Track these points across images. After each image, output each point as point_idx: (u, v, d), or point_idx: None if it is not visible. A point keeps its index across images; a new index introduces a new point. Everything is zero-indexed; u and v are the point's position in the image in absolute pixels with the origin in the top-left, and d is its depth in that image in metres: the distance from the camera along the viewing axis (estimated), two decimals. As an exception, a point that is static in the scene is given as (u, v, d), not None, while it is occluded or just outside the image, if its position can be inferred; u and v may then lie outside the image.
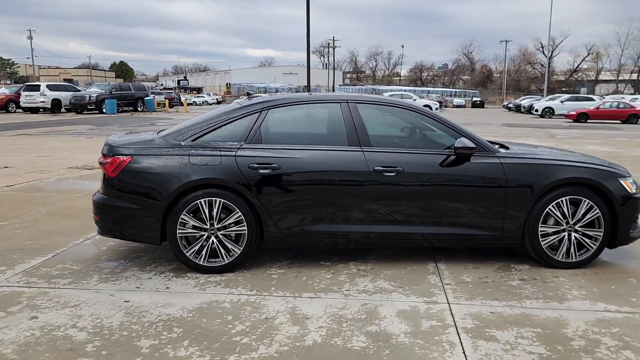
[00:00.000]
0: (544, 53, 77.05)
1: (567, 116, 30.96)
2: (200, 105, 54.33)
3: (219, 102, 60.45)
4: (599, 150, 14.20)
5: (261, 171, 4.16)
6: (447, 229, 4.31)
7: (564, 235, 4.35)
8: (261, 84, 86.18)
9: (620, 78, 70.88)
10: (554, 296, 3.81)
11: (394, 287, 3.96)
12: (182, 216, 4.14)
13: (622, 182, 4.36)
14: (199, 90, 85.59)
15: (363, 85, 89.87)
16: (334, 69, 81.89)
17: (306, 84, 29.20)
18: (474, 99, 65.97)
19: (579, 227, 4.34)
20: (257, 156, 4.21)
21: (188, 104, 44.07)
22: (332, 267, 4.41)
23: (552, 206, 4.29)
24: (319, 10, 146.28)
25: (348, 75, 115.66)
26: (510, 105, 48.00)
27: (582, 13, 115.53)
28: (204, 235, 4.20)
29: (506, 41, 73.05)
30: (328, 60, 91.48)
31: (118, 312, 3.50)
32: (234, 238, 4.22)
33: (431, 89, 77.30)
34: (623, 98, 36.00)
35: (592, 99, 35.25)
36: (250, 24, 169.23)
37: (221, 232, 4.20)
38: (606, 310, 3.57)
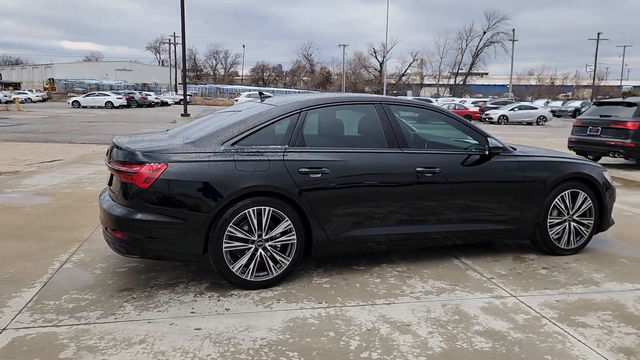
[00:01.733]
0: (377, 58, 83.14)
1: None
2: (23, 102, 47.97)
3: (44, 100, 54.15)
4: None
5: (312, 176, 3.94)
6: (477, 225, 4.52)
7: (565, 225, 4.83)
8: (92, 80, 79.32)
9: (440, 82, 79.54)
10: (585, 280, 4.23)
11: (450, 286, 4.04)
12: (229, 228, 3.74)
13: (605, 175, 4.99)
14: (16, 85, 75.95)
15: (205, 84, 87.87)
16: (175, 66, 78.72)
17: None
18: (318, 99, 68.50)
19: (576, 217, 4.86)
20: (305, 160, 3.96)
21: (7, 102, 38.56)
22: (371, 270, 4.34)
23: (558, 199, 4.75)
24: (152, 4, 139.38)
25: (187, 73, 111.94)
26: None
27: (407, 23, 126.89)
28: (250, 247, 3.84)
29: (344, 45, 77.29)
30: (170, 56, 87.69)
31: (204, 343, 3.06)
32: (279, 249, 3.93)
33: (274, 88, 78.54)
34: (454, 100, 40.37)
35: (431, 102, 38.98)
36: (66, 13, 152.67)
37: (269, 244, 3.88)
38: (636, 289, 4.06)
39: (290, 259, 3.94)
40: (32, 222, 5.71)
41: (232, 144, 3.88)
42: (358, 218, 4.11)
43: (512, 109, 33.04)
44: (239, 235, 3.78)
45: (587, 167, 4.91)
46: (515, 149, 4.87)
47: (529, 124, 32.37)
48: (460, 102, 39.13)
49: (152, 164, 3.65)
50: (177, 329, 3.24)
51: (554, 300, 3.79)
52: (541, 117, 32.76)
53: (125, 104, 44.79)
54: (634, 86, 77.83)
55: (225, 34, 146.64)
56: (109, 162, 4.00)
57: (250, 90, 47.24)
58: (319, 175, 3.95)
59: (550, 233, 4.76)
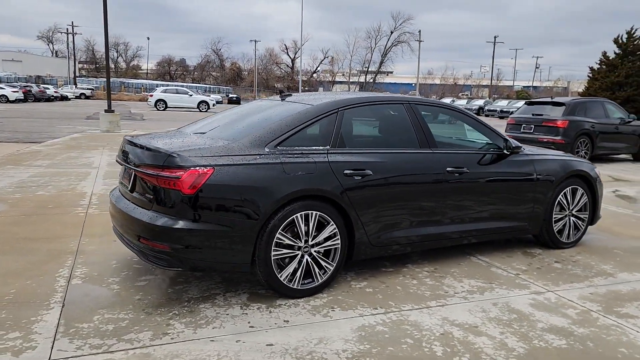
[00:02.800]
0: (288, 54, 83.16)
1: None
2: None
3: None
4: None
5: (356, 178, 3.82)
6: (495, 223, 4.63)
7: (566, 220, 5.09)
8: (-26, 71, 72.09)
9: (351, 80, 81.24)
10: (600, 272, 4.47)
11: (486, 284, 4.10)
12: (277, 235, 3.53)
13: (596, 171, 5.32)
14: None
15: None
16: (74, 58, 73.61)
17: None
18: (230, 95, 67.30)
19: (575, 212, 5.14)
20: (348, 161, 3.84)
21: None
22: (400, 272, 4.30)
23: (561, 195, 4.99)
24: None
25: (85, 65, 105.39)
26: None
27: (315, 21, 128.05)
28: (297, 254, 3.65)
29: (255, 41, 76.42)
30: (68, 47, 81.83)
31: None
32: (322, 254, 3.77)
33: (183, 84, 75.95)
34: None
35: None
36: None
37: (314, 249, 3.71)
38: (648, 278, 4.37)
39: (335, 265, 3.81)
40: (1, 233, 5.05)
41: (276, 146, 3.66)
42: (396, 220, 4.06)
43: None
44: (287, 241, 3.59)
45: (583, 164, 5.21)
46: (524, 149, 5.05)
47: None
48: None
49: (197, 168, 3.35)
50: (248, 346, 3.00)
51: (588, 294, 3.97)
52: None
53: (22, 97, 41.15)
54: (523, 86, 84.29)
55: (126, 25, 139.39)
56: (135, 167, 3.62)
57: (167, 86, 45.31)
58: (363, 177, 3.84)
59: (554, 228, 4.99)
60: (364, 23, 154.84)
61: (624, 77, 34.87)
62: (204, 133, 4.06)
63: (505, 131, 13.26)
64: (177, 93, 36.58)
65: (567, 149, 12.07)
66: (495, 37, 69.01)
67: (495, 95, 67.53)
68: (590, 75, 37.96)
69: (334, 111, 3.97)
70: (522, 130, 12.70)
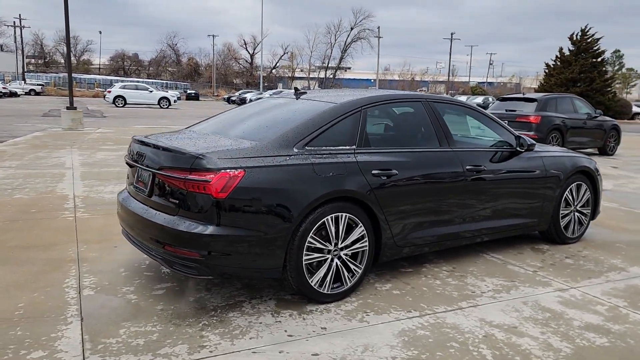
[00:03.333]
0: (247, 50, 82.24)
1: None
2: None
3: None
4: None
5: (382, 177, 3.73)
6: (508, 220, 4.63)
7: (571, 215, 5.16)
8: None
9: (311, 76, 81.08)
10: (612, 267, 4.54)
11: (509, 282, 4.09)
12: (309, 239, 3.40)
13: (597, 166, 5.41)
14: None
15: (57, 73, 79.98)
16: (23, 52, 70.52)
17: None
18: (188, 91, 66.07)
19: (579, 207, 5.21)
20: (375, 161, 3.74)
21: None
22: (420, 272, 4.24)
23: (568, 192, 5.05)
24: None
25: (33, 60, 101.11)
26: (234, 98, 49.81)
27: (274, 17, 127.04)
28: (327, 258, 3.53)
29: (213, 36, 75.29)
30: (15, 41, 78.39)
31: (340, 370, 2.74)
32: (350, 257, 3.67)
33: (139, 80, 74.03)
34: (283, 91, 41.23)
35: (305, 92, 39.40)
36: None
37: (343, 252, 3.60)
38: (658, 272, 4.46)
39: (363, 267, 3.71)
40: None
41: (304, 146, 3.52)
42: (419, 219, 3.99)
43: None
44: (318, 245, 3.46)
45: (586, 160, 5.29)
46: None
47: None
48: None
49: (228, 170, 3.17)
50: (292, 356, 2.86)
51: (609, 289, 4.01)
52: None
53: (-33, 94, 39.20)
54: (478, 82, 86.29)
55: (75, 18, 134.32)
56: (157, 170, 3.41)
57: (122, 81, 43.92)
58: (389, 176, 3.75)
59: (561, 223, 5.05)
60: (324, 19, 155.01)
61: (577, 73, 36.24)
62: (222, 133, 3.87)
63: (479, 127, 13.45)
64: (137, 89, 35.54)
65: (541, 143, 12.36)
66: (452, 34, 70.41)
67: (452, 91, 68.73)
68: (546, 71, 39.31)
69: (358, 109, 3.86)
70: (496, 125, 12.89)
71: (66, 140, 13.44)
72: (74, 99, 17.78)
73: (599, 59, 36.94)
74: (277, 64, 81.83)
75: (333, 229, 3.50)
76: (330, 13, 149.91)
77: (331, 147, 3.62)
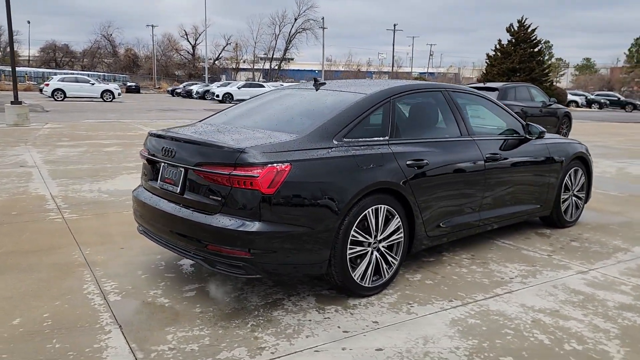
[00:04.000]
0: (188, 40, 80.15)
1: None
2: None
3: None
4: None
5: (416, 168, 3.70)
6: (518, 207, 4.73)
7: (570, 200, 5.34)
8: None
9: (256, 67, 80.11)
10: (616, 248, 4.72)
11: (531, 267, 4.17)
12: (352, 232, 3.33)
13: (589, 152, 5.62)
14: None
15: (-19, 66, 74.99)
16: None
17: None
18: (128, 83, 63.63)
19: (576, 191, 5.41)
20: (408, 152, 3.71)
21: None
22: (442, 261, 4.27)
23: (567, 177, 5.22)
24: None
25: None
26: (179, 90, 48.44)
27: (218, 6, 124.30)
28: (367, 251, 3.48)
29: (152, 26, 72.92)
30: None
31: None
32: (387, 249, 3.63)
33: (72, 71, 70.65)
34: (282, 85, 40.97)
35: (263, 86, 39.02)
36: None
37: (382, 244, 3.56)
38: (659, 251, 4.69)
39: (399, 259, 3.68)
40: None
41: (343, 137, 3.43)
42: (447, 209, 4.00)
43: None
44: (360, 238, 3.41)
45: (582, 146, 5.48)
46: None
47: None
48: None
49: (275, 164, 3.05)
50: (358, 352, 2.80)
51: (624, 269, 4.18)
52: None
53: None
54: (420, 72, 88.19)
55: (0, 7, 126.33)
56: (194, 166, 3.23)
57: (65, 74, 41.66)
58: (421, 167, 3.73)
59: (562, 208, 5.22)
60: (267, 9, 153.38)
61: (517, 63, 37.66)
62: (252, 126, 3.72)
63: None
64: (77, 82, 33.87)
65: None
66: (394, 25, 71.47)
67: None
68: (488, 61, 40.64)
69: (387, 100, 3.81)
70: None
71: (16, 137, 12.64)
72: (4, 92, 16.71)
73: (536, 49, 38.49)
74: (220, 55, 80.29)
75: (373, 221, 3.45)
76: (273, 4, 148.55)
77: (367, 139, 3.56)
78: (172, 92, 50.17)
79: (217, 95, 37.37)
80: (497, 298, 3.56)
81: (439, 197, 3.90)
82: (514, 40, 38.68)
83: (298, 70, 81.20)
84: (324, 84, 4.30)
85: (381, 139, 3.64)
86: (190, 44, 79.95)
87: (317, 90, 4.18)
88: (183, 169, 3.33)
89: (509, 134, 4.74)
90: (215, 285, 3.69)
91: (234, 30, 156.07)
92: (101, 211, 5.68)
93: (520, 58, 37.62)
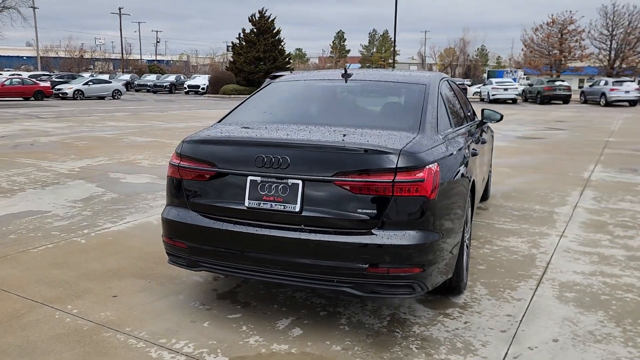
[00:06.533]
0: None
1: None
2: None
3: None
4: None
5: (473, 156, 3.73)
6: (483, 185, 5.17)
7: (489, 175, 6.05)
8: None
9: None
10: (549, 212, 5.58)
11: (532, 229, 4.65)
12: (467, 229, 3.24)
13: (488, 134, 6.43)
14: None
15: None
16: None
17: None
18: None
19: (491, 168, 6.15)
20: (464, 140, 3.68)
21: None
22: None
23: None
24: None
25: None
26: None
27: None
28: (466, 243, 3.42)
29: None
30: None
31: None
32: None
33: None
34: (21, 75, 34.42)
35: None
36: None
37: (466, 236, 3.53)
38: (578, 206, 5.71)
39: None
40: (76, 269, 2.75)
41: (441, 132, 3.23)
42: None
43: (87, 83, 31.38)
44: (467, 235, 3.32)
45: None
46: None
47: (102, 98, 31.43)
48: (30, 76, 33.69)
49: (431, 165, 2.73)
50: (541, 348, 2.77)
51: (585, 226, 4.98)
52: (116, 91, 32.49)
53: None
54: (148, 60, 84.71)
55: None
56: (332, 175, 2.65)
57: None
58: (474, 155, 3.79)
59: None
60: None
61: (262, 52, 39.47)
62: (323, 123, 3.16)
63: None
64: None
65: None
66: (120, 9, 66.78)
67: (126, 69, 65.66)
68: (232, 50, 41.54)
69: (437, 90, 3.69)
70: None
71: None
72: None
73: (277, 38, 40.84)
74: None
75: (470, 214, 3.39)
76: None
77: (447, 131, 3.43)
78: None
79: None
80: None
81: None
82: (255, 30, 40.35)
83: (4, 56, 69.21)
84: (351, 75, 3.91)
85: (450, 130, 3.53)
86: None
87: (347, 82, 3.78)
88: (300, 181, 2.70)
89: (472, 118, 5.08)
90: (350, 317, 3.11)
91: None
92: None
93: (264, 47, 39.47)
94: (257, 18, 40.22)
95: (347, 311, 3.17)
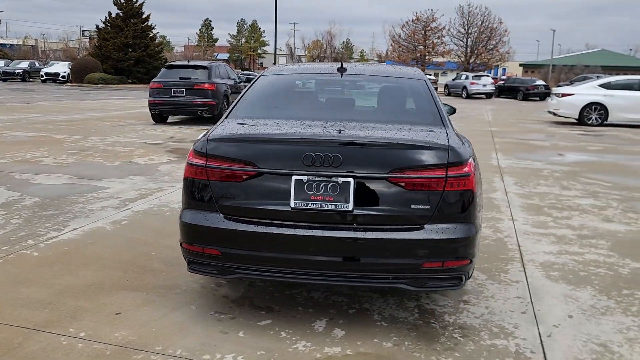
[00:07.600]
0: None
1: None
2: None
3: None
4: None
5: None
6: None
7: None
8: None
9: None
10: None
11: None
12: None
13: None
14: None
15: None
16: None
17: None
18: None
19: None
20: None
21: None
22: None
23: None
24: None
25: None
26: None
27: None
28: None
29: None
30: None
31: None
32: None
33: None
34: None
35: None
36: None
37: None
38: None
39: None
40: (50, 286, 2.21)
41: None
42: None
43: None
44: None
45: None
46: None
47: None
48: None
49: (470, 159, 2.83)
50: (591, 344, 3.04)
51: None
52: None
53: None
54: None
55: None
56: (388, 172, 2.62)
57: None
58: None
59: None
60: None
61: (131, 39, 37.08)
62: (339, 119, 3.12)
63: (152, 96, 12.82)
64: None
65: (216, 110, 12.90)
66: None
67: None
68: (98, 35, 38.49)
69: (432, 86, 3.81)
70: (173, 94, 12.61)
71: None
72: None
73: (147, 24, 38.57)
74: None
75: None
76: None
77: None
78: None
79: None
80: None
81: None
82: (122, 15, 37.66)
83: None
84: (345, 69, 3.85)
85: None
86: None
87: (342, 76, 3.73)
88: (352, 179, 2.64)
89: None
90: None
91: None
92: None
93: (133, 33, 37.05)
94: (122, 1, 37.59)
95: (374, 307, 3.17)
